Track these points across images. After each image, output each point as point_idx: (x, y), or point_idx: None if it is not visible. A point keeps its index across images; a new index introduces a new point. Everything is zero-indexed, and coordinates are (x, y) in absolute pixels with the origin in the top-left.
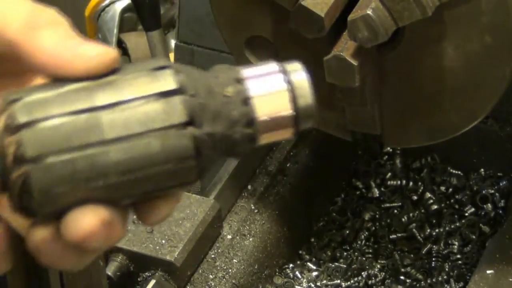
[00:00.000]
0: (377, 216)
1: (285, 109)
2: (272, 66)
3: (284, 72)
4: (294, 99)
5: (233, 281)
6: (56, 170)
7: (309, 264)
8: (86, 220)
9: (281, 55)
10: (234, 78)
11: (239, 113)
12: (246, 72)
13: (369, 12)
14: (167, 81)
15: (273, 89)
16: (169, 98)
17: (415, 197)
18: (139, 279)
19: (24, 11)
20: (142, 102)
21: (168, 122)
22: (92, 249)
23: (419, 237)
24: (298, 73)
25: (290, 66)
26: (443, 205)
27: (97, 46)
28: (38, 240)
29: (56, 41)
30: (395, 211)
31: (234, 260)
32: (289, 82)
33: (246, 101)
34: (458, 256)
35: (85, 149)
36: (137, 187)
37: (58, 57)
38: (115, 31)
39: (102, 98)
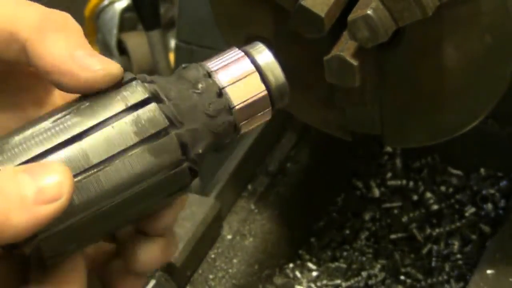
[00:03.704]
0: (377, 216)
1: (259, 90)
2: (236, 52)
3: (249, 55)
4: (264, 78)
5: (233, 281)
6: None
7: (309, 264)
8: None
9: (281, 55)
10: (203, 74)
11: (216, 105)
12: (212, 64)
13: (369, 12)
14: (138, 93)
15: (243, 74)
16: (144, 108)
17: (415, 197)
18: None
19: (37, 13)
20: (118, 119)
21: (149, 132)
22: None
23: (419, 237)
24: (264, 54)
25: (254, 49)
26: (443, 205)
27: (103, 61)
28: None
29: (65, 48)
30: (395, 211)
31: (234, 260)
32: (256, 64)
33: (219, 92)
34: (458, 256)
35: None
36: (137, 205)
37: (64, 65)
38: (115, 31)
39: (78, 128)
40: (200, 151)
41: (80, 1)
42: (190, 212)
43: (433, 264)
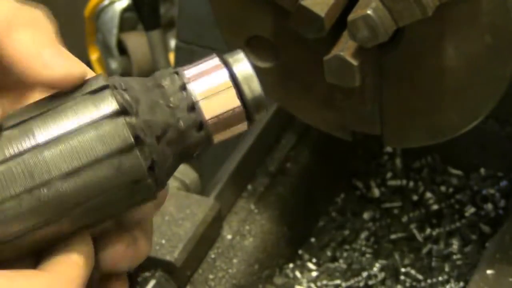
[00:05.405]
0: (377, 216)
1: (233, 105)
2: (214, 61)
3: (227, 65)
4: (240, 91)
5: (233, 281)
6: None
7: (309, 264)
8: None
9: (281, 55)
10: (178, 85)
11: (188, 121)
12: (188, 73)
13: (369, 12)
14: (107, 104)
15: (217, 87)
16: (112, 120)
17: (415, 197)
18: (139, 279)
19: (8, 8)
20: (85, 130)
21: (113, 147)
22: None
23: (419, 237)
24: (242, 64)
25: (233, 58)
26: (443, 205)
27: (67, 61)
28: None
29: (31, 44)
30: (395, 211)
31: (234, 260)
32: (233, 76)
33: (192, 107)
34: (458, 256)
35: (32, 190)
36: (97, 214)
37: (28, 62)
38: (115, 31)
39: (42, 134)
40: (169, 163)
41: (80, 1)
42: (190, 212)
43: (433, 264)
